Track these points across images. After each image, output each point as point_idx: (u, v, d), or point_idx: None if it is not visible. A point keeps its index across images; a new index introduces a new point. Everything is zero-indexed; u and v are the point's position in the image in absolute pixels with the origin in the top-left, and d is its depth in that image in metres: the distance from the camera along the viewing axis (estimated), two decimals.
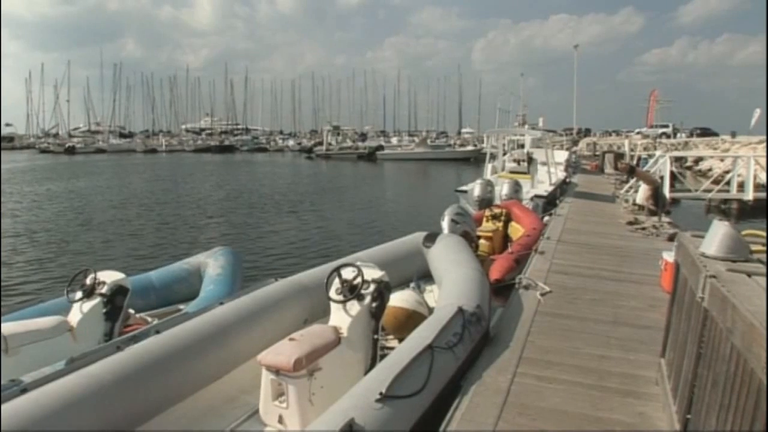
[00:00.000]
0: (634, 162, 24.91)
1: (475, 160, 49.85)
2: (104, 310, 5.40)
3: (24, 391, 3.54)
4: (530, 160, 19.58)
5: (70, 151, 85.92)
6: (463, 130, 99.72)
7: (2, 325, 4.85)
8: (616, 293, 6.43)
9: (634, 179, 16.01)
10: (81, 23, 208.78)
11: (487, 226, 10.90)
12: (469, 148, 65.24)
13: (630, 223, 11.11)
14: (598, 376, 4.22)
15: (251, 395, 4.35)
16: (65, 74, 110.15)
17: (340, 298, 4.65)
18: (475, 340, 4.71)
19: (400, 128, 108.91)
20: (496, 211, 11.37)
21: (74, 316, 5.36)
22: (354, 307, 4.57)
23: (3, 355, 4.61)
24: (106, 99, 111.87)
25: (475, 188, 13.57)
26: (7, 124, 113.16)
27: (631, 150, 32.65)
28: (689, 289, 3.24)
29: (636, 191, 14.58)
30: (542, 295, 6.22)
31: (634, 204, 13.58)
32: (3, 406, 3.26)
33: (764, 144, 26.98)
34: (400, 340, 5.05)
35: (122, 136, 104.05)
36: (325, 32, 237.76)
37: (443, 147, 67.79)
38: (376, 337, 4.67)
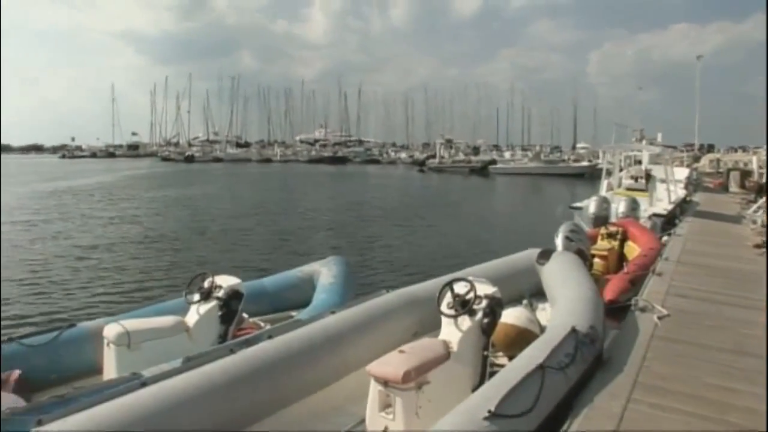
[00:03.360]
0: (764, 180, 23.52)
1: (590, 176, 48.35)
2: (219, 313, 5.60)
3: (144, 384, 3.77)
4: (648, 176, 18.85)
5: (190, 159, 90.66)
6: (578, 145, 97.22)
7: (126, 321, 5.17)
8: (741, 320, 6.06)
9: (764, 198, 15.12)
10: (202, 38, 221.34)
11: (602, 244, 10.58)
12: (584, 163, 63.54)
13: (758, 246, 10.46)
14: (720, 409, 3.98)
15: (358, 405, 4.39)
16: (186, 87, 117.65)
17: (452, 312, 4.65)
18: (588, 362, 4.60)
19: (513, 142, 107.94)
20: (612, 229, 11.01)
21: (191, 317, 5.60)
22: (465, 322, 4.57)
23: (126, 350, 4.93)
24: (224, 110, 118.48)
25: (591, 205, 13.25)
26: (133, 133, 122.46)
27: (760, 167, 30.77)
28: None
29: (765, 212, 13.76)
30: (659, 318, 5.97)
31: (763, 225, 12.80)
32: (125, 397, 3.51)
33: None
34: (510, 357, 5.00)
35: (239, 145, 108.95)
36: (437, 45, 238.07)
37: (557, 162, 66.62)
38: (486, 353, 4.64)
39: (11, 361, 4.70)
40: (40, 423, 3.16)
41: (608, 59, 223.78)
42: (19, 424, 3.26)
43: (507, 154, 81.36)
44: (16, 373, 4.50)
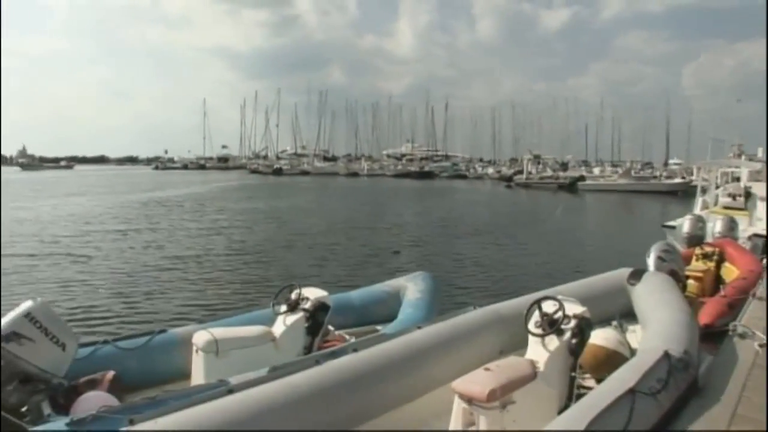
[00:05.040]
0: None
1: (683, 194, 46.78)
2: (306, 325, 5.67)
3: (230, 391, 3.84)
4: (748, 194, 18.09)
5: (278, 172, 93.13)
6: (671, 161, 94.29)
7: (215, 329, 5.32)
8: None
9: None
10: (291, 54, 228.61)
11: (697, 265, 10.15)
12: (677, 180, 61.47)
13: None
14: None
15: (441, 421, 4.35)
16: (276, 101, 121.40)
17: (539, 331, 4.56)
18: (681, 388, 4.41)
19: (602, 158, 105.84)
20: (708, 249, 10.55)
21: (278, 328, 5.68)
22: (553, 341, 4.47)
23: (214, 357, 5.07)
24: (312, 124, 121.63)
25: (685, 224, 12.74)
26: (223, 146, 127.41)
27: None
28: None
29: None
30: (761, 346, 5.65)
31: None
32: (212, 403, 3.60)
33: None
34: (598, 380, 4.87)
35: (326, 159, 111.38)
36: (525, 59, 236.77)
37: (648, 179, 64.85)
38: (573, 374, 4.53)
39: (106, 362, 4.94)
40: (132, 422, 3.29)
41: (704, 70, 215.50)
42: (112, 423, 3.41)
43: (596, 170, 79.90)
44: (111, 373, 4.71)
